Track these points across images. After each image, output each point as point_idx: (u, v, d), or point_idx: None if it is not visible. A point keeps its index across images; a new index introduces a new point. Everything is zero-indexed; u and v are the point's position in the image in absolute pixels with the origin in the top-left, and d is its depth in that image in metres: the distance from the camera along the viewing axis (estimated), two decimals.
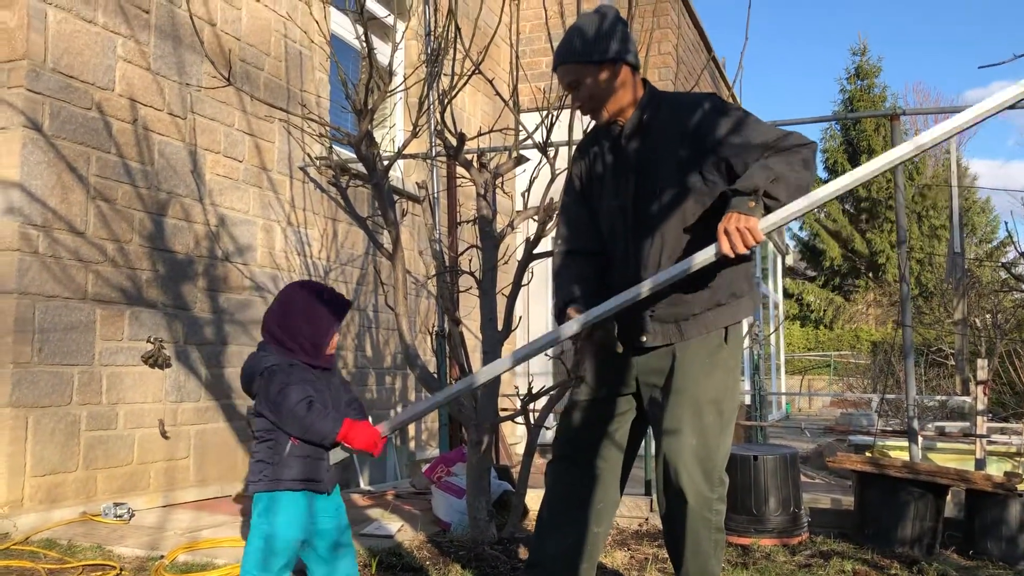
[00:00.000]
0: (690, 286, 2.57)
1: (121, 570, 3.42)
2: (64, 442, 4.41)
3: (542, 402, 4.47)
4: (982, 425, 6.03)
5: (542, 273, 8.82)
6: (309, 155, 5.94)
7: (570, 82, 2.68)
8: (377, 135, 6.91)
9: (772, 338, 15.53)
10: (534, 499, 4.86)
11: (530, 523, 4.77)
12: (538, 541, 2.83)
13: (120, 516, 4.35)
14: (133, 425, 4.82)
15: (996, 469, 6.09)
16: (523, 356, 2.53)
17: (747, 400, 9.58)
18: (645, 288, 2.45)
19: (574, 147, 4.08)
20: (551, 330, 2.52)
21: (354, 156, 4.07)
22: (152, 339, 4.93)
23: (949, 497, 4.58)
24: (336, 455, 2.47)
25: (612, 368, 2.76)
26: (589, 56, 2.61)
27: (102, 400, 4.65)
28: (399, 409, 7.32)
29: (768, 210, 2.39)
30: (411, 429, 7.56)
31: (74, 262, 4.52)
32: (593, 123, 2.89)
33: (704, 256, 2.41)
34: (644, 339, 2.64)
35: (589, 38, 2.63)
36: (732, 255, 2.36)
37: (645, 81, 2.76)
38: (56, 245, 4.43)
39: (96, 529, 4.14)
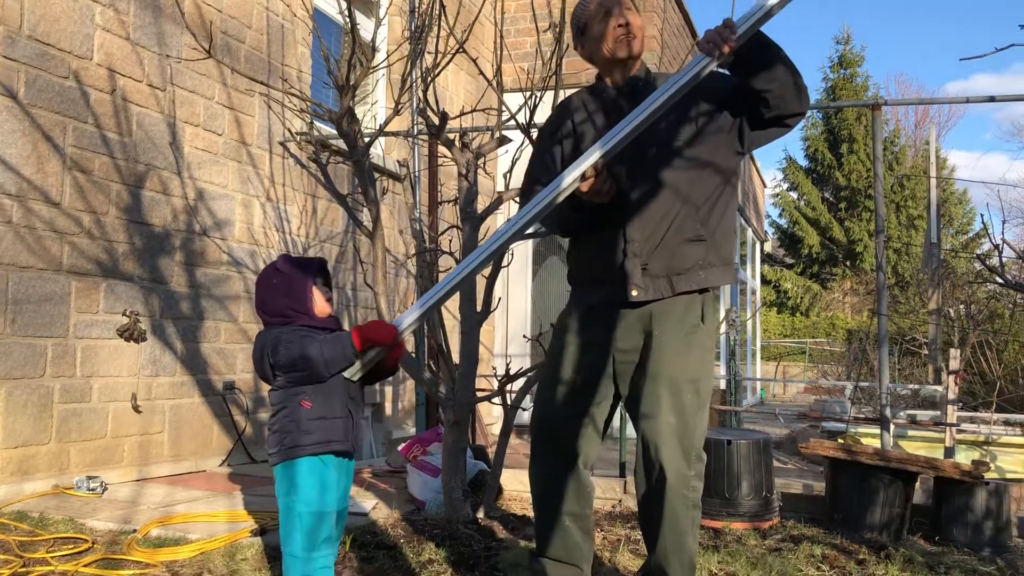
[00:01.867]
0: (687, 241, 2.62)
1: (93, 543, 3.40)
2: (37, 414, 4.38)
3: (519, 383, 4.48)
4: (952, 414, 6.12)
5: (522, 254, 8.82)
6: (289, 130, 5.89)
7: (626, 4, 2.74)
8: (359, 112, 6.87)
9: (748, 324, 15.63)
10: (509, 479, 4.89)
11: (505, 502, 4.79)
12: (542, 532, 2.85)
13: (93, 489, 4.32)
14: (107, 399, 4.79)
15: (964, 457, 6.19)
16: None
17: (722, 385, 9.65)
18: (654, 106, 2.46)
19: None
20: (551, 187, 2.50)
21: (335, 132, 4.04)
22: (128, 312, 4.89)
23: (918, 484, 4.65)
24: (355, 365, 2.40)
25: (583, 351, 2.77)
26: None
27: (76, 373, 4.61)
28: (375, 388, 7.32)
29: (749, 58, 2.48)
30: (387, 408, 7.57)
31: (49, 233, 4.47)
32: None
33: (694, 68, 2.44)
34: (634, 293, 2.64)
35: None
36: (716, 55, 2.40)
37: None
38: (31, 215, 4.37)
39: (68, 502, 4.11)
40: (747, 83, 2.55)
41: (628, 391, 2.72)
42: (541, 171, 2.86)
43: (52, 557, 3.18)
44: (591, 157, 2.45)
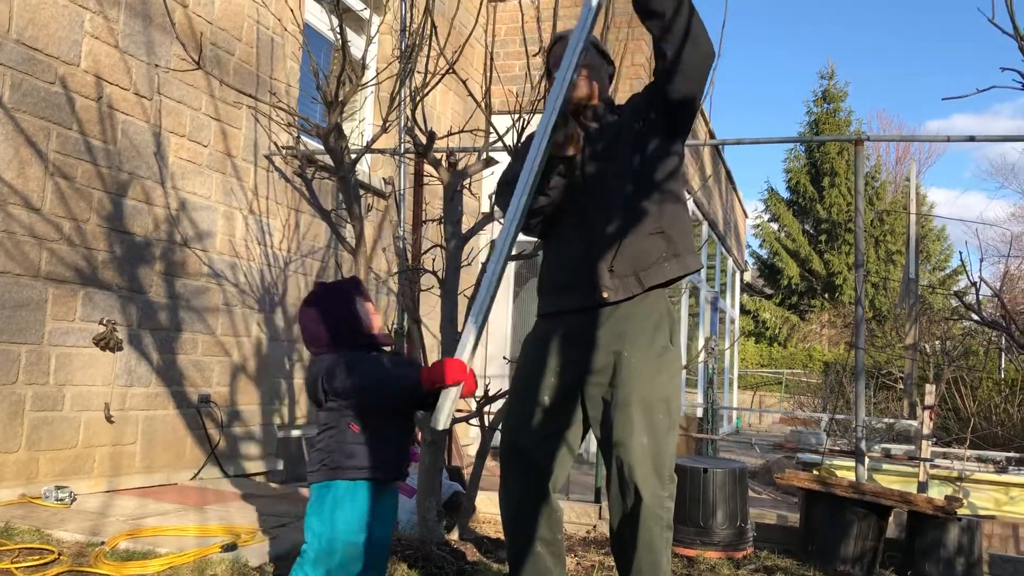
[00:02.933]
0: (647, 235, 2.70)
1: (60, 555, 3.34)
2: (7, 422, 4.31)
3: (497, 405, 4.46)
4: (926, 449, 6.16)
5: (506, 276, 8.82)
6: (276, 144, 5.88)
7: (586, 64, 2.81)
8: (346, 128, 6.87)
9: (727, 353, 15.69)
10: (484, 501, 4.86)
11: (479, 525, 4.76)
12: (514, 558, 2.82)
13: (61, 500, 4.26)
14: (80, 408, 4.73)
15: (938, 492, 6.23)
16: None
17: (699, 413, 9.66)
18: None
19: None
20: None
21: (321, 147, 4.04)
22: (105, 321, 4.84)
23: (891, 518, 4.67)
24: (442, 412, 2.29)
25: (549, 373, 2.76)
26: (605, 54, 2.93)
27: (49, 381, 4.55)
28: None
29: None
30: None
31: (28, 238, 4.43)
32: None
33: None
34: (605, 295, 2.67)
35: (589, 45, 2.78)
36: None
37: None
38: (10, 220, 4.33)
39: (36, 512, 4.05)
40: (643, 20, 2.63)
41: (598, 414, 2.71)
42: (516, 171, 2.91)
43: (17, 568, 3.13)
44: (554, 108, 2.51)
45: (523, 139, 3.11)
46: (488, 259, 2.47)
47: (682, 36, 2.54)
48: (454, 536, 4.11)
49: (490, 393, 4.41)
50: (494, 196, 3.02)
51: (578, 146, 2.75)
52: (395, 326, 5.67)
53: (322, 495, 2.38)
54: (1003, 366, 13.74)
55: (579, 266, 2.74)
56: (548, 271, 2.90)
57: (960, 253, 5.09)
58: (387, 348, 2.59)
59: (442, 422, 2.31)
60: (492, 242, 4.19)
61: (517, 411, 2.80)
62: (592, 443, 7.14)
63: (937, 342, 12.96)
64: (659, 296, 2.75)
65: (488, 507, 4.92)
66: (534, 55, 4.30)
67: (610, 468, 2.67)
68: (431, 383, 2.32)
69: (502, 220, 2.67)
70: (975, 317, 4.65)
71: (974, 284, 4.26)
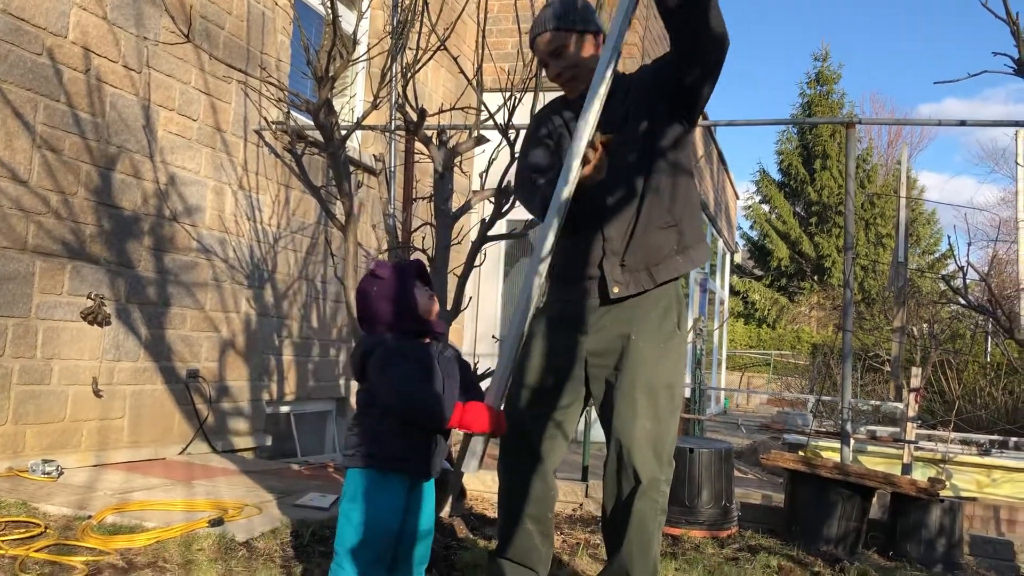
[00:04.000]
0: (658, 229, 2.67)
1: (46, 528, 3.35)
2: None
3: (485, 383, 4.47)
4: (911, 431, 6.21)
5: (495, 255, 8.82)
6: (266, 119, 5.84)
7: (554, 49, 2.76)
8: (337, 104, 6.83)
9: (715, 334, 15.76)
10: (472, 479, 4.88)
11: (467, 502, 4.79)
12: (503, 532, 2.84)
13: (48, 473, 4.26)
14: (68, 381, 4.72)
15: (921, 474, 6.29)
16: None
17: (687, 393, 9.71)
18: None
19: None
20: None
21: (311, 123, 4.01)
22: (93, 295, 4.82)
23: (875, 499, 4.72)
24: (475, 458, 2.35)
25: (555, 353, 2.78)
26: (575, 24, 2.74)
27: (36, 354, 4.54)
28: (342, 382, 7.27)
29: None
30: (352, 403, 7.53)
31: (15, 211, 4.40)
32: (552, 99, 2.98)
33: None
34: (616, 290, 2.67)
35: (575, 6, 2.74)
36: None
37: None
38: None
39: (22, 485, 4.05)
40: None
41: (601, 395, 2.73)
42: (535, 162, 2.89)
43: (3, 541, 3.13)
44: (584, 136, 2.46)
45: (531, 125, 3.03)
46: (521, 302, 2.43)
47: (702, 27, 2.44)
48: (442, 513, 4.13)
49: (479, 371, 4.42)
50: (514, 187, 2.98)
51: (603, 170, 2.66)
52: None
53: (356, 482, 2.36)
54: (989, 350, 13.84)
55: (590, 259, 2.73)
56: (560, 261, 2.85)
57: (948, 237, 5.11)
58: (437, 336, 2.52)
59: (474, 468, 2.37)
60: (481, 221, 4.19)
61: (520, 389, 2.80)
62: (580, 422, 7.17)
63: (925, 325, 13.04)
64: (670, 283, 2.75)
65: (475, 485, 4.95)
66: (526, 33, 4.27)
67: (609, 449, 2.68)
68: (461, 426, 2.32)
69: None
70: (962, 301, 4.68)
71: (961, 269, 4.28)
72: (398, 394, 2.30)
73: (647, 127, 2.71)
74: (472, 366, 4.29)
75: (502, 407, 2.47)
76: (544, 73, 2.92)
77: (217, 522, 3.48)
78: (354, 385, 7.44)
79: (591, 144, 2.51)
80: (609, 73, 2.47)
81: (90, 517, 3.51)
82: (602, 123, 2.64)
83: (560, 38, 2.74)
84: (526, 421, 2.77)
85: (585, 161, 2.52)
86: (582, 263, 2.75)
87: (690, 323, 12.10)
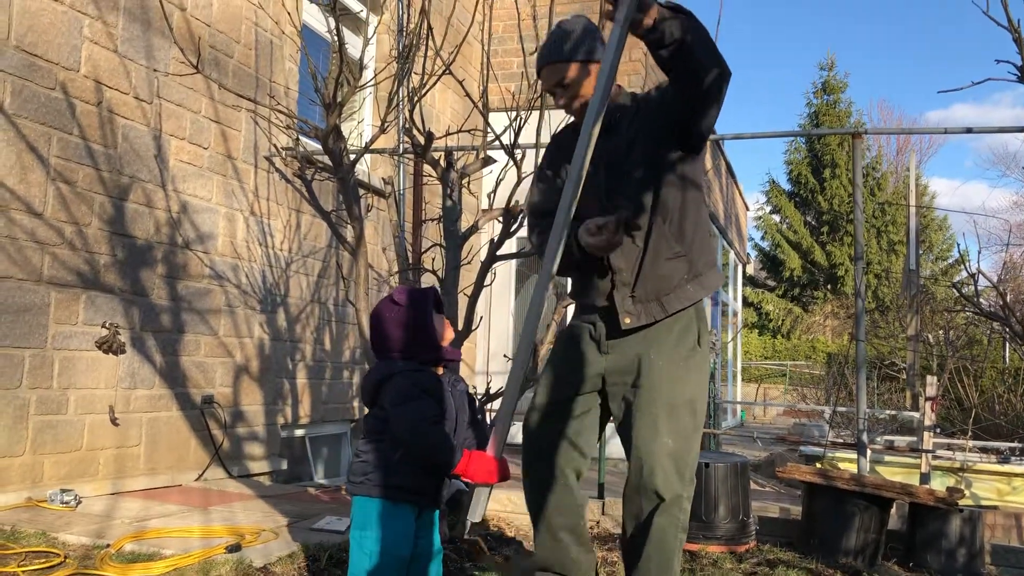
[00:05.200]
0: (666, 260, 2.67)
1: (66, 558, 3.37)
2: (12, 425, 4.34)
3: (499, 402, 4.48)
4: (928, 440, 6.17)
5: (505, 274, 8.84)
6: (275, 146, 5.90)
7: (558, 81, 2.77)
8: (345, 129, 6.89)
9: (730, 346, 15.70)
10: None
11: (485, 521, 4.78)
12: (540, 547, 2.86)
13: (67, 503, 4.28)
14: (84, 411, 4.76)
15: (940, 484, 6.24)
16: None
17: None
18: None
19: (543, 149, 4.11)
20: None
21: (320, 148, 4.06)
22: (107, 324, 4.87)
23: (893, 510, 4.68)
24: (479, 507, 2.38)
25: (575, 368, 2.79)
26: (576, 55, 2.73)
27: (53, 384, 4.58)
28: (356, 404, 7.29)
29: (662, 37, 2.40)
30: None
31: (30, 243, 4.45)
32: (564, 123, 2.99)
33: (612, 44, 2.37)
34: (627, 321, 2.69)
35: (577, 38, 2.74)
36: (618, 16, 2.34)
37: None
38: (12, 225, 4.35)
39: (41, 515, 4.08)
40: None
41: (621, 414, 2.73)
42: (534, 204, 2.94)
43: (23, 571, 3.15)
44: (576, 176, 2.44)
45: (543, 157, 3.05)
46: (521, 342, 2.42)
47: (698, 69, 2.45)
48: (456, 534, 4.13)
49: (491, 390, 4.43)
50: (528, 232, 3.00)
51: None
52: None
53: (366, 510, 2.37)
54: (1007, 355, 13.74)
55: (601, 288, 2.75)
56: (575, 286, 2.90)
57: (958, 244, 5.09)
58: (450, 363, 2.55)
59: (479, 516, 2.38)
60: (490, 241, 4.21)
61: (541, 403, 2.82)
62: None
63: (940, 332, 12.96)
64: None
65: (490, 505, 4.95)
66: (531, 53, 4.31)
67: (631, 468, 2.67)
68: (465, 476, 2.33)
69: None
70: (974, 309, 4.67)
71: (972, 275, 4.27)
72: (413, 432, 2.31)
73: (653, 155, 2.70)
74: (479, 400, 4.32)
75: (503, 454, 2.45)
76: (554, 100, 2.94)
77: (234, 548, 3.50)
78: None
79: (611, 222, 2.52)
80: (599, 112, 2.42)
81: (108, 546, 3.53)
82: (606, 150, 2.67)
83: (564, 69, 2.75)
84: (548, 435, 2.78)
85: (604, 236, 2.54)
86: (594, 293, 2.77)
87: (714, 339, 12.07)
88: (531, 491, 2.84)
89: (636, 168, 2.71)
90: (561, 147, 2.93)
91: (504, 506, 4.96)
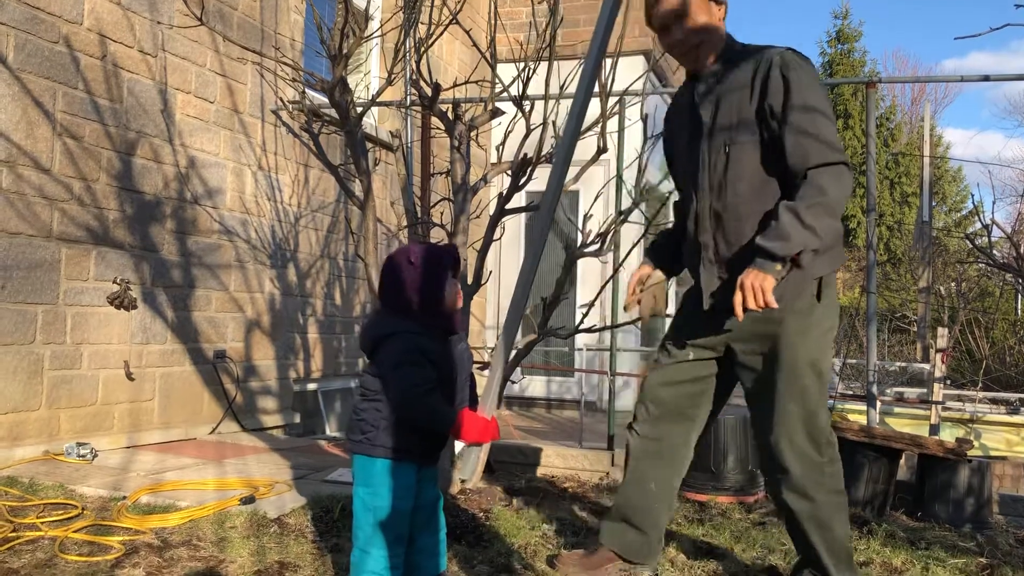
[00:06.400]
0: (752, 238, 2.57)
1: (83, 509, 3.43)
2: (27, 380, 4.38)
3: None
4: (938, 392, 6.18)
5: (514, 228, 8.81)
6: (282, 99, 5.85)
7: (668, 13, 2.61)
8: (351, 81, 6.82)
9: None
10: (497, 451, 4.92)
11: (492, 473, 4.83)
12: (622, 491, 2.92)
13: (83, 456, 4.34)
14: (97, 366, 4.80)
15: (949, 435, 6.26)
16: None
17: None
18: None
19: (552, 100, 4.06)
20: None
21: (327, 102, 4.02)
22: (118, 280, 4.88)
23: (902, 461, 4.70)
24: (468, 466, 2.46)
25: (699, 328, 2.76)
26: None
27: (66, 340, 4.61)
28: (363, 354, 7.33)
29: (791, 264, 2.42)
30: None
31: (39, 199, 4.45)
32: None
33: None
34: (711, 302, 2.68)
35: None
36: (741, 312, 2.39)
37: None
38: (21, 181, 4.34)
39: (59, 468, 4.13)
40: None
41: (743, 377, 2.71)
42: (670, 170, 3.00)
43: (42, 523, 3.21)
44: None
45: (665, 118, 3.01)
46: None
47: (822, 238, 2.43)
48: (468, 484, 4.17)
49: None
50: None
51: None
52: None
53: (367, 468, 2.36)
54: (1019, 307, 13.69)
55: (695, 263, 2.73)
56: (687, 259, 2.89)
57: (973, 195, 5.03)
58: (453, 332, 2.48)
59: (469, 473, 2.45)
60: (499, 194, 4.19)
61: (663, 360, 2.84)
62: (604, 392, 7.16)
63: (952, 284, 12.90)
64: None
65: (500, 456, 4.99)
66: (540, 2, 4.23)
67: (760, 437, 2.66)
68: (460, 438, 2.31)
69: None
70: (988, 260, 4.63)
71: (986, 227, 4.23)
72: (405, 399, 2.28)
73: (738, 135, 2.59)
74: (496, 339, 4.31)
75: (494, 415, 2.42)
76: (660, 41, 2.75)
77: (248, 500, 3.54)
78: None
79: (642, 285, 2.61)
80: (582, 108, 2.34)
81: (125, 498, 3.59)
82: (691, 121, 2.66)
83: (675, 4, 2.59)
84: (664, 394, 2.82)
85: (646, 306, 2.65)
86: (691, 266, 2.77)
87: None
88: (634, 442, 2.89)
89: (720, 146, 2.63)
90: (673, 110, 2.90)
91: (514, 457, 5.01)
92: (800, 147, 2.44)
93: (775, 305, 2.37)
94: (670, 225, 3.05)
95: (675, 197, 2.99)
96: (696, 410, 2.83)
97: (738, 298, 2.39)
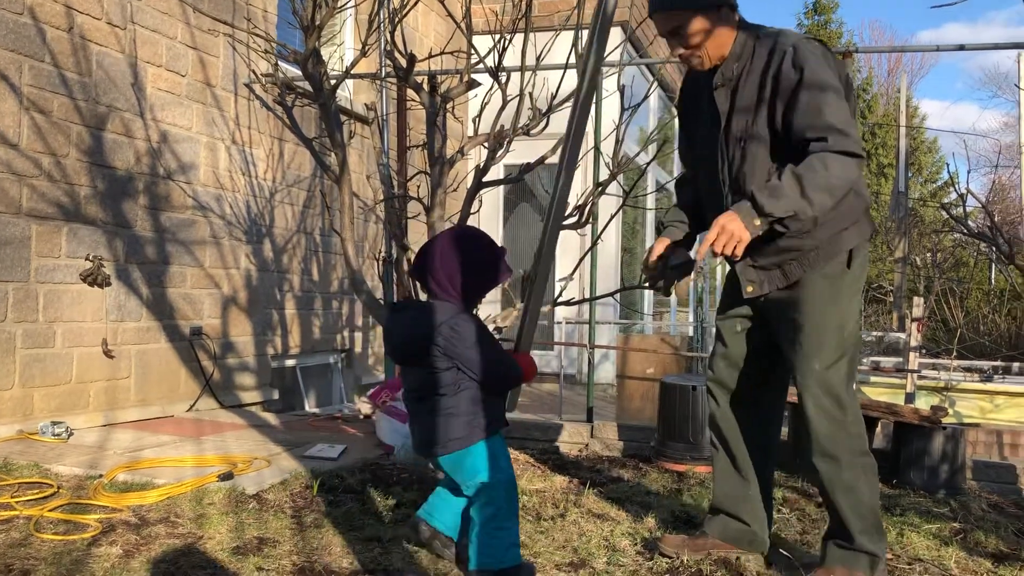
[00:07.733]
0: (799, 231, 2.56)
1: (59, 488, 3.39)
2: None
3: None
4: (914, 361, 6.24)
5: (492, 200, 8.78)
6: (255, 72, 5.77)
7: (671, 29, 2.60)
8: (325, 53, 6.72)
9: (717, 270, 15.74)
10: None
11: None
12: (716, 485, 3.00)
13: (58, 435, 4.30)
14: (71, 344, 4.74)
15: (924, 403, 6.34)
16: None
17: (689, 331, 9.74)
18: None
19: (528, 71, 4.02)
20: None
21: (300, 74, 3.96)
22: (91, 257, 4.82)
23: (878, 429, 4.75)
24: (515, 394, 2.67)
25: (736, 302, 2.84)
26: (695, 3, 2.54)
27: (39, 318, 4.55)
28: (345, 334, 7.30)
29: (770, 225, 2.44)
30: (357, 353, 7.57)
31: (7, 175, 4.37)
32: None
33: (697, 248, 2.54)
34: (749, 289, 2.70)
35: None
36: (706, 249, 2.46)
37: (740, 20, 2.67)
38: None
39: (33, 447, 4.09)
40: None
41: (781, 340, 2.73)
42: (683, 158, 3.06)
43: (17, 502, 3.17)
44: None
45: (678, 100, 3.02)
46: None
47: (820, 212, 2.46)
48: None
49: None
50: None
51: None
52: (383, 254, 5.65)
53: (483, 452, 2.44)
54: (993, 276, 13.84)
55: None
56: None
57: (948, 165, 5.06)
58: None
59: (514, 406, 2.65)
60: (476, 167, 4.16)
61: (718, 335, 2.94)
62: (584, 364, 7.18)
63: (928, 254, 13.02)
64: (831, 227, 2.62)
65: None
66: None
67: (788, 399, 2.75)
68: (525, 379, 2.55)
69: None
70: (963, 230, 4.66)
71: (962, 196, 4.25)
72: (498, 368, 2.44)
73: (754, 128, 2.58)
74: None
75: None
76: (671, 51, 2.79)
77: (227, 476, 3.52)
78: (359, 336, 7.46)
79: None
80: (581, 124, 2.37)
81: (101, 476, 3.56)
82: (709, 108, 2.66)
83: (678, 18, 2.56)
84: (718, 365, 2.91)
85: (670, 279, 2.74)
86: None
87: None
88: (713, 418, 2.94)
89: (753, 134, 2.61)
90: (686, 96, 2.89)
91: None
92: (812, 126, 2.45)
93: (739, 255, 2.47)
94: (678, 189, 3.10)
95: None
96: (766, 375, 2.87)
97: (711, 235, 2.43)
